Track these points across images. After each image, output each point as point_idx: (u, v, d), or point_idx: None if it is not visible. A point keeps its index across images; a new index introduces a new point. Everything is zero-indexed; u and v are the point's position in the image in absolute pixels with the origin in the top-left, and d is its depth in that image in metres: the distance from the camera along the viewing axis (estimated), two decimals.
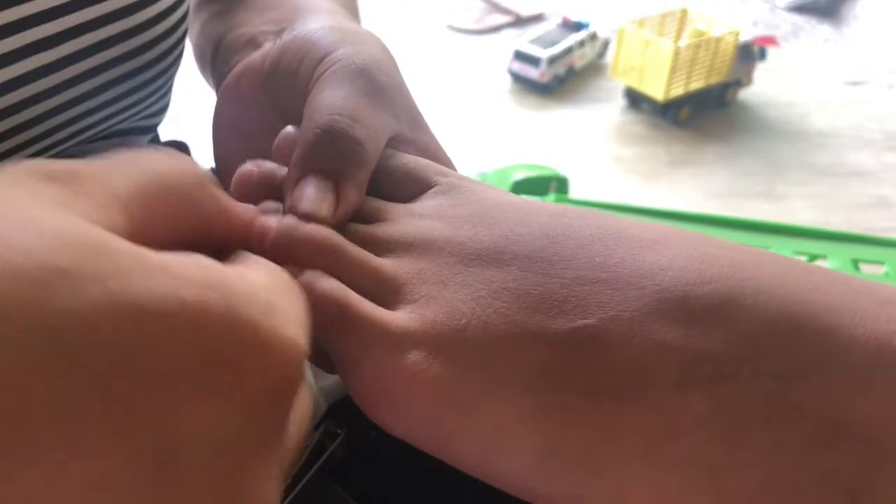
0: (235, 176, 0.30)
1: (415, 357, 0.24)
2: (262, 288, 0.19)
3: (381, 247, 0.27)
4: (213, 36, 0.44)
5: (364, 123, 0.30)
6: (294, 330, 0.18)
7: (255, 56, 0.36)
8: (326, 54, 0.32)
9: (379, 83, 0.31)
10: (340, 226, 0.28)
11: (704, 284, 0.23)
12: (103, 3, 0.36)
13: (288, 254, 0.26)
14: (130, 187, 0.19)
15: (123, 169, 0.19)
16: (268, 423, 0.18)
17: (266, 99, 0.35)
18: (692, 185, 1.85)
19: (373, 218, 0.29)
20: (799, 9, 2.60)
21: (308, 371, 0.38)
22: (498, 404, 0.23)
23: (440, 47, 2.42)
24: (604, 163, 1.93)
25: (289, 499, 0.38)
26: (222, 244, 0.23)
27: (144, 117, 0.44)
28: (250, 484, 0.17)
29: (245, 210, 0.24)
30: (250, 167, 0.30)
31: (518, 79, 2.21)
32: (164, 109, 0.46)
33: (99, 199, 0.18)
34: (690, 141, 2.01)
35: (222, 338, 0.16)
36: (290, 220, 0.27)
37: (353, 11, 0.46)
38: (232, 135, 0.38)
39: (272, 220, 0.26)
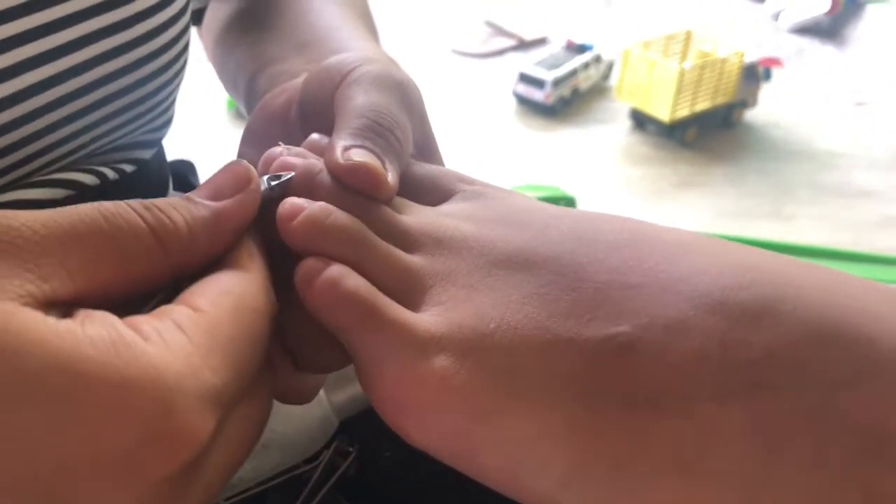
0: (262, 157, 0.29)
1: (442, 362, 0.23)
2: (174, 358, 0.19)
3: (409, 240, 0.27)
4: (248, 68, 0.45)
5: (403, 128, 0.30)
6: (197, 417, 0.19)
7: (297, 80, 0.37)
8: (359, 65, 0.32)
9: (411, 101, 0.32)
10: (367, 217, 0.27)
11: (743, 289, 0.22)
12: (99, 18, 0.36)
13: (315, 241, 0.25)
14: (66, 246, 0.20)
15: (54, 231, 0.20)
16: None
17: (296, 115, 0.35)
18: (700, 205, 1.85)
19: (399, 213, 0.28)
20: (802, 30, 2.61)
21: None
22: (527, 414, 0.22)
23: (445, 71, 2.43)
24: (611, 183, 1.92)
25: None
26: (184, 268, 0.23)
27: (147, 131, 0.44)
28: None
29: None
30: (279, 149, 0.29)
31: (523, 101, 2.22)
32: (167, 123, 0.46)
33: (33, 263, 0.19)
34: (697, 162, 2.01)
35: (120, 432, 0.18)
36: (320, 206, 0.25)
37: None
38: (257, 144, 0.38)
39: (301, 202, 0.25)
